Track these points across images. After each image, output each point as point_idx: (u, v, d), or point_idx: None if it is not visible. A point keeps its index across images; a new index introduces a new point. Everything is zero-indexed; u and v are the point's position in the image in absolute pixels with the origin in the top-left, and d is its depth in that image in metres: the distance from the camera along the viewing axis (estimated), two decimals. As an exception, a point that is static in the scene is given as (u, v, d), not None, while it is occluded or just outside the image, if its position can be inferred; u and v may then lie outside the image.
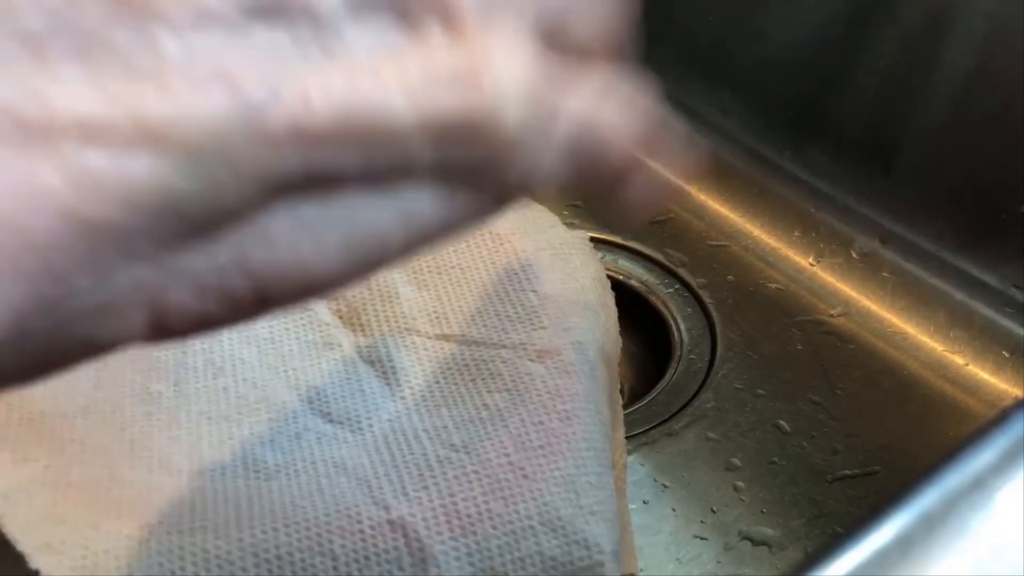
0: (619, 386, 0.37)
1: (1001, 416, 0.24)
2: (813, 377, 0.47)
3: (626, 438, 0.37)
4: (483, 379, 0.32)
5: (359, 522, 0.27)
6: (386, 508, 0.27)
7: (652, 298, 0.51)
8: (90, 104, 0.13)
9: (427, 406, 0.31)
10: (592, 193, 0.18)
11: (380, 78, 0.14)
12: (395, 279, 0.35)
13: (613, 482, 0.29)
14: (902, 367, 0.48)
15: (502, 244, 0.37)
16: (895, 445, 0.43)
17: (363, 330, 0.34)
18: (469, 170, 0.15)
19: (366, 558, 0.26)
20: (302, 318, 0.34)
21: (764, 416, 0.44)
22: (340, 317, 0.34)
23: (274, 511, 0.27)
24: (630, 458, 0.41)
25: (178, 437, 0.29)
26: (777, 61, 0.56)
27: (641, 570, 0.37)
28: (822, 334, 0.49)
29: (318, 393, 0.31)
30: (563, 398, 0.31)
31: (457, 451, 0.29)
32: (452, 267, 0.36)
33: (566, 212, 0.56)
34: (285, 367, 0.32)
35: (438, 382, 0.32)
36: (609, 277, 0.39)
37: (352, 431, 0.30)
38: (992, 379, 0.47)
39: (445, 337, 0.33)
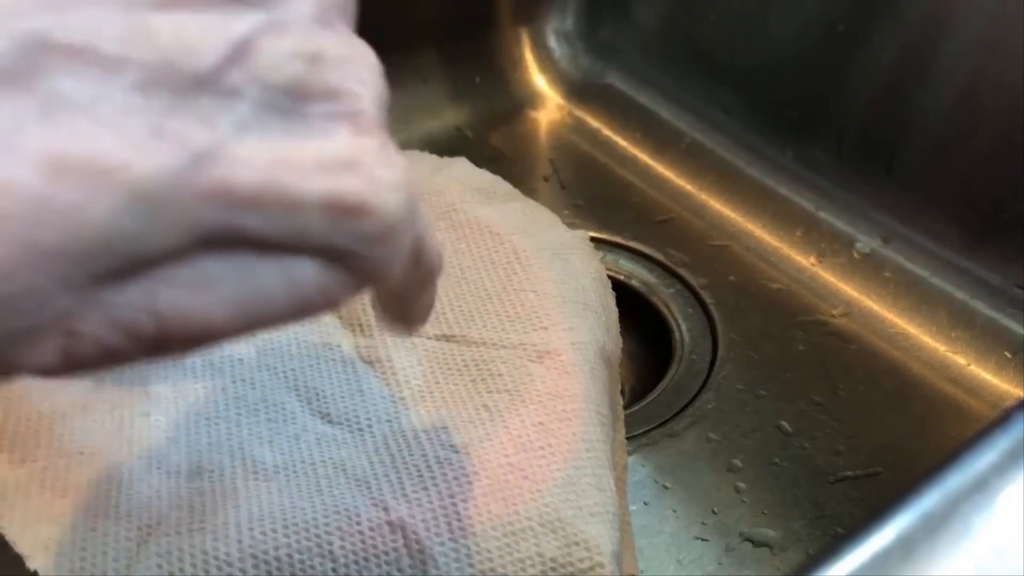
0: (620, 387, 0.36)
1: (1003, 417, 0.24)
2: (815, 378, 0.47)
3: (627, 439, 0.37)
4: (483, 379, 0.32)
5: (358, 523, 0.26)
6: (385, 509, 0.27)
7: (653, 298, 0.51)
8: (51, 141, 0.14)
9: (427, 407, 0.31)
10: (388, 300, 0.21)
11: (299, 155, 0.16)
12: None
13: (613, 483, 0.29)
14: (904, 367, 0.48)
15: (502, 244, 0.37)
16: (897, 446, 0.43)
17: (363, 330, 0.34)
18: (347, 250, 0.17)
19: (365, 559, 0.26)
20: (302, 318, 0.34)
21: (765, 417, 0.44)
22: (340, 317, 0.34)
23: (273, 512, 0.27)
24: (631, 459, 0.41)
25: (177, 438, 0.29)
26: (779, 61, 0.56)
27: (642, 571, 0.37)
28: (824, 334, 0.49)
29: (317, 394, 0.31)
30: (563, 399, 0.31)
31: (457, 452, 0.29)
32: (452, 267, 0.36)
33: (566, 212, 0.56)
34: (284, 367, 0.32)
35: (438, 382, 0.32)
36: (610, 277, 0.39)
37: (351, 432, 0.30)
38: (994, 379, 0.47)
39: (445, 337, 0.33)
